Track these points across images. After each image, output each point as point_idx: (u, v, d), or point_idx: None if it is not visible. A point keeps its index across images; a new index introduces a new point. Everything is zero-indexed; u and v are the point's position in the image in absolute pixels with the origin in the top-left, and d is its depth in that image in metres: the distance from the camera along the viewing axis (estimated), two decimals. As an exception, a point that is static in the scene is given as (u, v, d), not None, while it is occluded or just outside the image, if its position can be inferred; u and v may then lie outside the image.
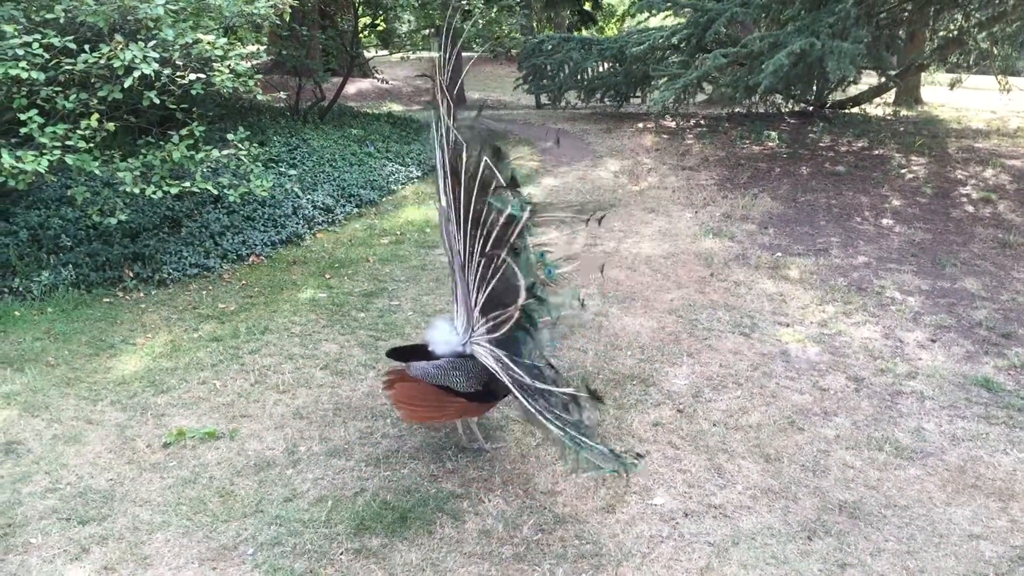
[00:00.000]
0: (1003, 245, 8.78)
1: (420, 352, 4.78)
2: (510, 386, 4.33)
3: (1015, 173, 11.37)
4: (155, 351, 6.28)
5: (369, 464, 4.82)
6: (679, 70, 13.30)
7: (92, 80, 6.69)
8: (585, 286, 7.36)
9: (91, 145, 6.54)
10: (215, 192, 7.38)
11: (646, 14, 16.97)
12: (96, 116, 6.56)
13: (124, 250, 7.78)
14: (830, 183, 10.84)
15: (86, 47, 6.52)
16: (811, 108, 15.54)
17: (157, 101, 6.75)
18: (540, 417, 4.25)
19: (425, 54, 16.44)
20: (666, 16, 16.60)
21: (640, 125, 14.65)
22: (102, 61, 6.41)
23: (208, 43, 7.01)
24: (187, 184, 7.06)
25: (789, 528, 4.35)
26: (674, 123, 14.69)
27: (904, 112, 16.56)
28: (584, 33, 26.19)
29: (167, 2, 6.82)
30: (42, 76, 6.23)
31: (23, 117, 6.31)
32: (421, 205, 10.28)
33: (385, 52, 17.77)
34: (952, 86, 16.63)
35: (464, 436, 5.05)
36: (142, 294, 7.36)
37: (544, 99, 18.42)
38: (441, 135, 4.63)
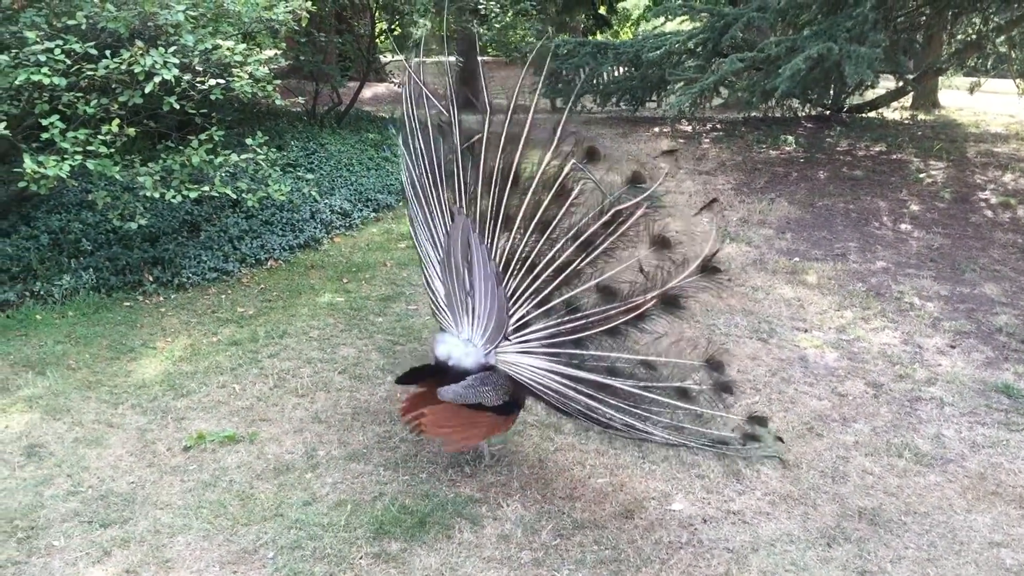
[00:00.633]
0: (1023, 250, 8.72)
1: (434, 372, 4.55)
2: (570, 393, 4.27)
3: (1035, 177, 11.30)
4: (175, 355, 6.32)
5: (387, 468, 4.83)
6: (696, 74, 13.27)
7: (113, 85, 6.74)
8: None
9: (112, 150, 6.59)
10: (234, 196, 7.43)
11: (662, 19, 16.95)
12: (117, 121, 6.61)
13: (144, 254, 7.84)
14: (847, 187, 10.79)
15: (107, 53, 6.57)
16: (828, 112, 15.47)
17: (177, 106, 6.79)
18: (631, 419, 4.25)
19: (440, 58, 16.46)
20: (682, 20, 16.56)
21: (656, 129, 14.62)
22: (123, 67, 6.45)
23: (228, 49, 7.05)
24: (206, 188, 7.10)
25: (809, 535, 4.34)
26: (690, 127, 14.66)
27: (922, 116, 16.45)
28: (599, 37, 26.15)
29: (187, 8, 6.87)
30: (64, 82, 6.27)
31: (45, 122, 6.36)
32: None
33: (401, 57, 17.82)
34: (972, 90, 16.54)
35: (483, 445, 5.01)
36: (162, 298, 7.41)
37: (559, 103, 18.39)
38: (477, 141, 4.67)
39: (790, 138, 13.21)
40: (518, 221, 4.66)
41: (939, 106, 17.84)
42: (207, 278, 7.78)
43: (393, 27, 15.34)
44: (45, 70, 6.19)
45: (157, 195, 6.91)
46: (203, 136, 7.26)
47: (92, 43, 6.52)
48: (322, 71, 12.85)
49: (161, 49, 6.55)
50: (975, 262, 8.40)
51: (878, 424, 5.49)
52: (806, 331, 6.85)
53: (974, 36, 14.83)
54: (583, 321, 4.37)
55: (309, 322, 6.92)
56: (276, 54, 10.49)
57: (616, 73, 16.24)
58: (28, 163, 6.12)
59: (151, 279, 7.58)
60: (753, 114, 15.29)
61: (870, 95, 15.83)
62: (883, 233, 9.28)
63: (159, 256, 7.86)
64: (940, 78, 17.67)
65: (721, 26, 13.03)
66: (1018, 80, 15.60)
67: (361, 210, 9.79)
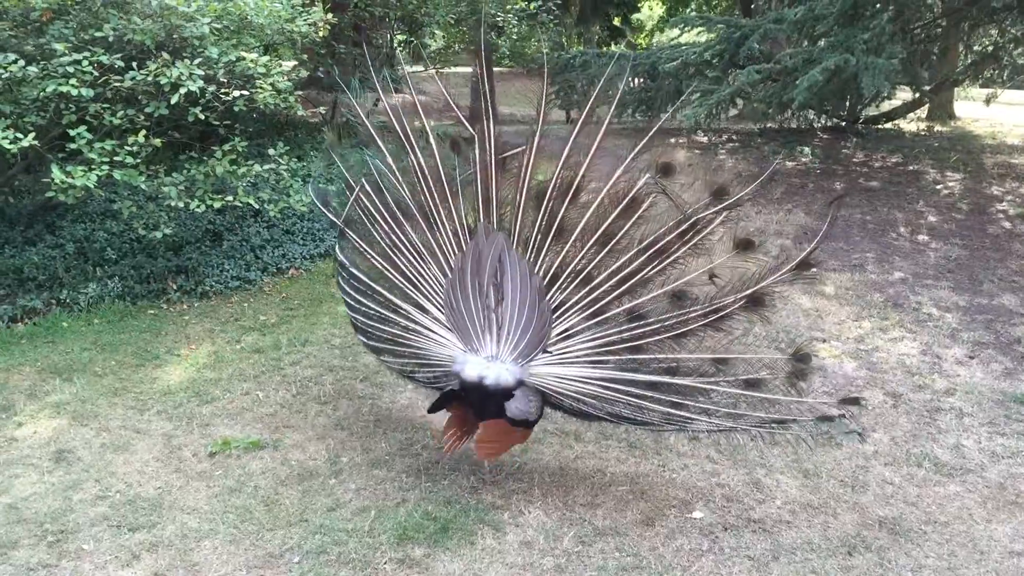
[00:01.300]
0: (1041, 262, 8.71)
1: (459, 395, 4.51)
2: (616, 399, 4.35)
3: (1053, 189, 11.27)
4: (199, 362, 6.40)
5: (410, 475, 4.89)
6: (712, 86, 13.30)
7: (139, 97, 6.85)
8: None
9: (138, 160, 6.69)
10: (256, 206, 7.52)
11: (678, 31, 17.01)
12: (143, 132, 6.71)
13: (168, 263, 7.94)
14: (864, 199, 10.79)
15: (133, 64, 6.68)
16: (844, 123, 15.46)
17: (202, 117, 6.89)
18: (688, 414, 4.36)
19: (458, 69, 16.58)
20: (698, 32, 16.61)
21: (672, 140, 14.66)
22: (149, 78, 6.57)
23: (251, 60, 7.15)
24: (229, 198, 7.21)
25: (829, 543, 4.36)
26: (706, 138, 14.68)
27: (938, 127, 16.41)
28: (614, 48, 26.27)
29: (211, 21, 6.98)
30: (91, 93, 6.38)
31: (72, 133, 6.47)
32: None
33: (420, 68, 17.96)
34: (988, 101, 16.49)
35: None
36: (185, 306, 7.51)
37: (573, 114, 18.48)
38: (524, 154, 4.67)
39: (806, 149, 13.20)
40: (575, 234, 4.57)
41: (955, 117, 17.80)
42: (230, 287, 7.88)
43: (412, 39, 15.48)
44: (73, 81, 6.31)
45: (182, 205, 7.02)
46: (226, 147, 7.37)
47: (119, 55, 6.64)
48: (340, 82, 12.96)
49: (186, 61, 6.66)
50: (993, 273, 8.38)
51: (897, 434, 5.51)
52: (824, 341, 6.87)
53: (990, 48, 14.79)
54: (654, 327, 4.39)
55: (330, 330, 6.99)
56: (295, 66, 10.60)
57: (632, 84, 16.31)
58: (56, 173, 6.23)
59: (175, 287, 7.68)
60: (769, 125, 15.30)
61: (886, 106, 15.81)
62: (900, 244, 9.28)
63: (183, 265, 7.96)
64: (956, 89, 17.64)
65: (738, 37, 13.07)
66: (1035, 92, 15.56)
67: (380, 220, 9.85)
